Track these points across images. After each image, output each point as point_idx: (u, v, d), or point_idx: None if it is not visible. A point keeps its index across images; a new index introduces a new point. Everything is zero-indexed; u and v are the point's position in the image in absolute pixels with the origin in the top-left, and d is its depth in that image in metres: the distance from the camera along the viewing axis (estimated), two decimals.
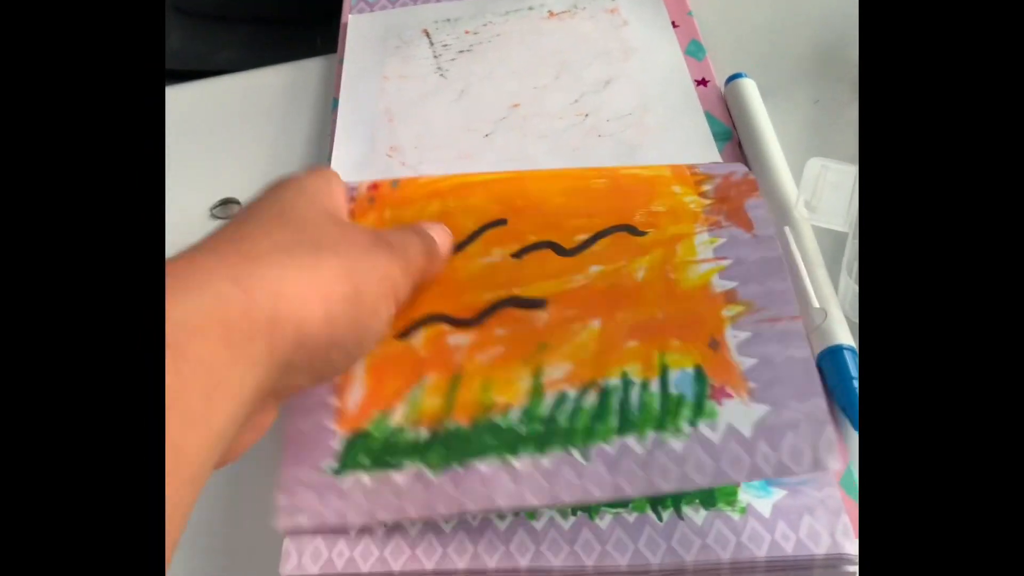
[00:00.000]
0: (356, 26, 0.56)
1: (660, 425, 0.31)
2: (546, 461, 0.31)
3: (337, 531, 0.31)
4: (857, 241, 0.39)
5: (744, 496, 0.31)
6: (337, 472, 0.32)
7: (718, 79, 0.49)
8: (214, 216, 0.48)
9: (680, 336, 0.33)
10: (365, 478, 0.32)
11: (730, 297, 0.33)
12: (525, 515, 0.32)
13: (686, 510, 0.31)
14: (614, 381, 0.32)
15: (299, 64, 0.58)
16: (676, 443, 0.30)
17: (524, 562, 0.31)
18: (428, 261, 0.34)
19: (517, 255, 0.36)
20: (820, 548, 0.29)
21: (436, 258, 0.35)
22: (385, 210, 0.39)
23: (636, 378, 0.32)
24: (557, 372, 0.33)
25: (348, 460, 0.32)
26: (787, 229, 0.40)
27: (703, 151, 0.44)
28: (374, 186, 0.41)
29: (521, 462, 0.31)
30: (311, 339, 0.27)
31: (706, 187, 0.37)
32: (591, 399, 0.32)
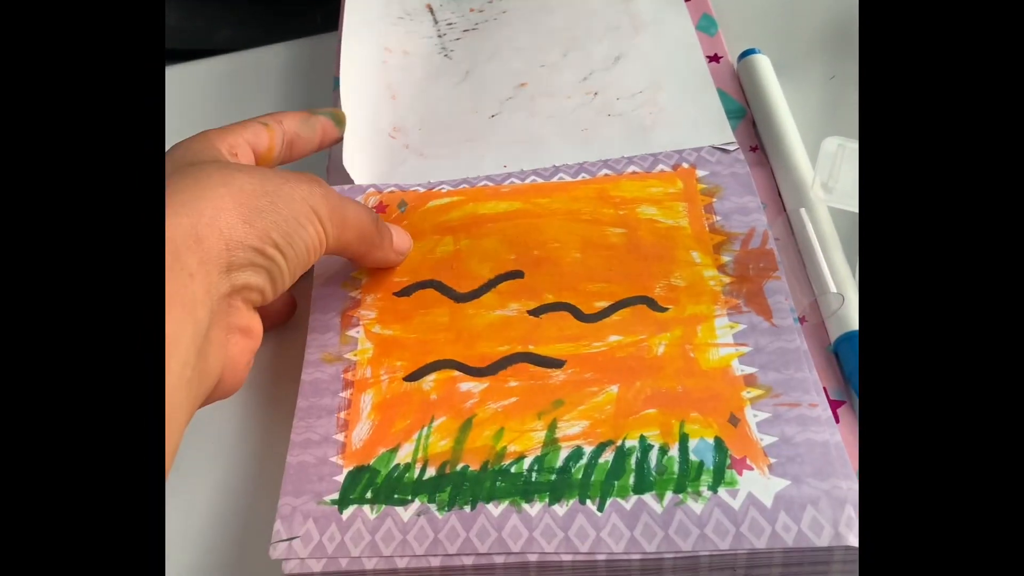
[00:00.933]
0: None
1: (679, 488, 0.31)
2: (559, 509, 0.31)
3: (336, 566, 0.31)
4: None
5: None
6: (338, 504, 0.32)
7: (731, 55, 0.48)
8: None
9: (700, 410, 0.33)
10: (366, 510, 0.32)
11: (749, 381, 0.33)
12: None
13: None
14: (631, 442, 0.32)
15: (299, 42, 0.57)
16: (695, 505, 0.30)
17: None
18: (370, 231, 0.36)
19: (535, 312, 0.37)
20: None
21: (381, 237, 0.37)
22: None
23: (655, 441, 0.32)
24: (573, 428, 0.33)
25: (350, 494, 0.32)
26: (803, 211, 0.38)
27: (716, 131, 0.43)
28: (381, 206, 0.41)
29: (533, 508, 0.31)
30: (238, 239, 0.30)
31: (726, 258, 0.37)
32: (607, 456, 0.32)
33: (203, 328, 0.29)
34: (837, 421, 0.33)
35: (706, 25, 0.50)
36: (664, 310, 0.36)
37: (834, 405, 0.33)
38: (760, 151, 0.43)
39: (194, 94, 0.55)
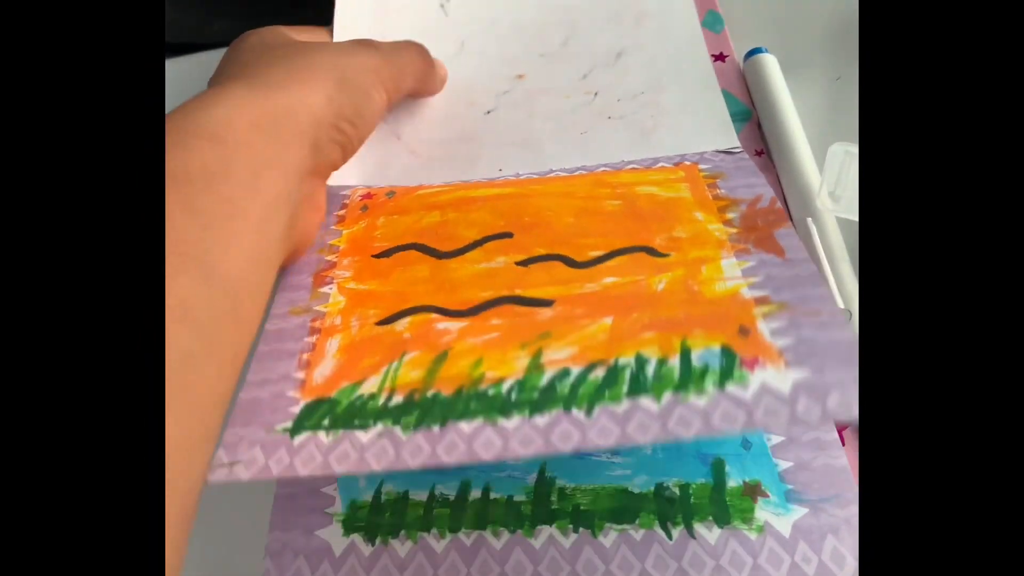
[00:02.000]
0: None
1: (681, 387, 0.27)
2: (540, 420, 0.27)
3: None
4: None
5: (761, 513, 0.29)
6: (290, 432, 0.28)
7: (737, 53, 0.47)
8: None
9: (704, 327, 0.29)
10: (322, 435, 0.28)
11: (762, 301, 0.29)
12: (522, 532, 0.30)
13: (698, 527, 0.29)
14: (626, 359, 0.28)
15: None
16: (699, 400, 0.26)
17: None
18: (423, 63, 0.41)
19: (523, 263, 0.33)
20: (845, 572, 0.27)
21: (431, 64, 0.42)
22: (379, 217, 0.37)
23: (652, 357, 0.28)
24: (560, 354, 0.29)
25: (305, 422, 0.28)
26: (809, 220, 0.37)
27: (721, 136, 0.42)
28: (368, 194, 0.39)
29: (511, 421, 0.27)
30: (322, 118, 0.33)
31: (731, 215, 0.34)
32: (597, 373, 0.28)
33: (295, 196, 0.32)
34: (842, 441, 0.32)
35: (712, 21, 0.48)
36: (665, 255, 0.32)
37: (840, 428, 0.33)
38: (766, 155, 0.42)
39: (189, 89, 0.53)
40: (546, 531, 0.30)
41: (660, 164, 0.40)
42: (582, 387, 0.27)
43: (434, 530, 0.30)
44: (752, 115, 0.44)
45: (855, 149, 0.38)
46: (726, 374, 0.27)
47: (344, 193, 0.39)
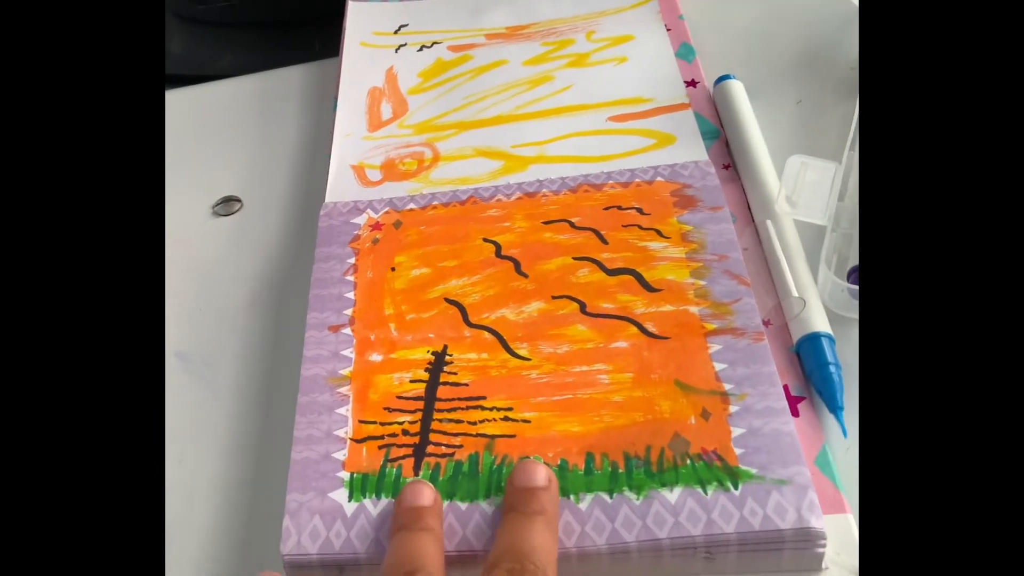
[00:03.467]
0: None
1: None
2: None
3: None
4: (835, 235, 0.41)
5: (716, 474, 0.32)
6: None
7: (707, 80, 0.51)
8: (216, 214, 0.49)
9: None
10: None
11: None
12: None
13: (662, 490, 0.32)
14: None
15: (299, 67, 0.60)
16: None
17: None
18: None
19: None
20: (786, 523, 0.31)
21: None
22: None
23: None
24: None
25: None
26: (769, 223, 0.41)
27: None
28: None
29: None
30: None
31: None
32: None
33: None
34: (796, 415, 0.35)
35: (685, 52, 0.53)
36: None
37: (795, 401, 0.36)
38: (732, 168, 0.46)
39: (198, 118, 0.57)
40: None
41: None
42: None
43: None
44: (720, 134, 0.48)
45: (811, 160, 0.42)
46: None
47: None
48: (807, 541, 0.31)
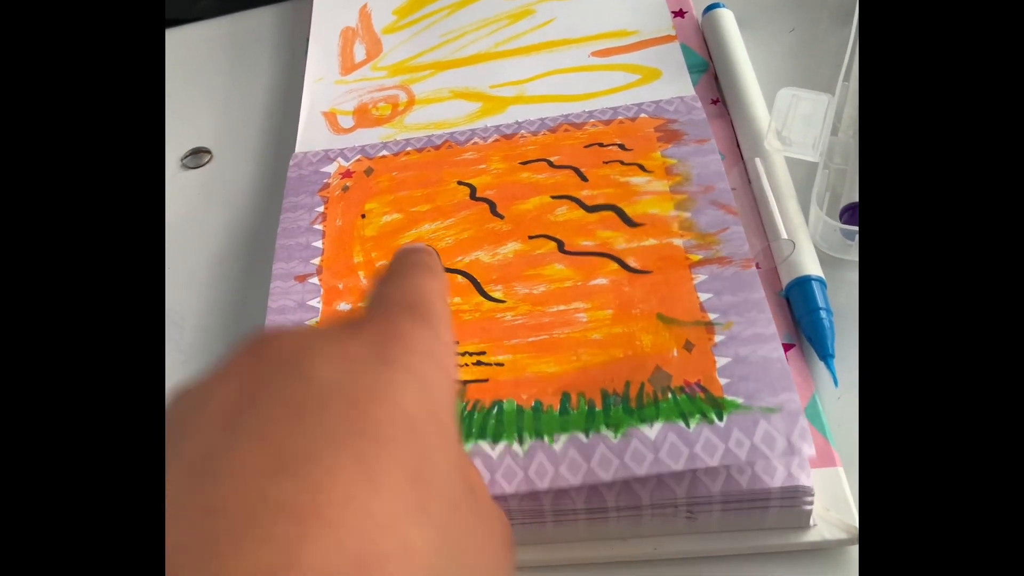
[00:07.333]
0: None
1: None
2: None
3: None
4: (828, 171, 0.39)
5: (699, 407, 0.31)
6: None
7: (695, 9, 0.48)
8: (185, 166, 0.48)
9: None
10: None
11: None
12: (482, 442, 0.32)
13: (641, 426, 0.30)
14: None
15: (271, 8, 0.57)
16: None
17: None
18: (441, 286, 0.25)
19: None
20: (775, 451, 0.29)
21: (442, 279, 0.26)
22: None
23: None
24: None
25: None
26: (758, 160, 0.39)
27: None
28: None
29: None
30: None
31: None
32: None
33: None
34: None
35: None
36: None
37: (784, 348, 0.34)
38: (721, 103, 0.44)
39: (178, 59, 0.55)
40: (503, 441, 0.31)
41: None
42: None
43: None
44: (709, 67, 0.45)
45: (803, 92, 0.40)
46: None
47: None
48: (793, 498, 0.29)
